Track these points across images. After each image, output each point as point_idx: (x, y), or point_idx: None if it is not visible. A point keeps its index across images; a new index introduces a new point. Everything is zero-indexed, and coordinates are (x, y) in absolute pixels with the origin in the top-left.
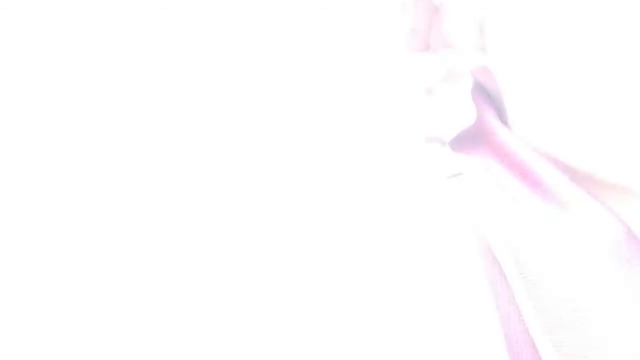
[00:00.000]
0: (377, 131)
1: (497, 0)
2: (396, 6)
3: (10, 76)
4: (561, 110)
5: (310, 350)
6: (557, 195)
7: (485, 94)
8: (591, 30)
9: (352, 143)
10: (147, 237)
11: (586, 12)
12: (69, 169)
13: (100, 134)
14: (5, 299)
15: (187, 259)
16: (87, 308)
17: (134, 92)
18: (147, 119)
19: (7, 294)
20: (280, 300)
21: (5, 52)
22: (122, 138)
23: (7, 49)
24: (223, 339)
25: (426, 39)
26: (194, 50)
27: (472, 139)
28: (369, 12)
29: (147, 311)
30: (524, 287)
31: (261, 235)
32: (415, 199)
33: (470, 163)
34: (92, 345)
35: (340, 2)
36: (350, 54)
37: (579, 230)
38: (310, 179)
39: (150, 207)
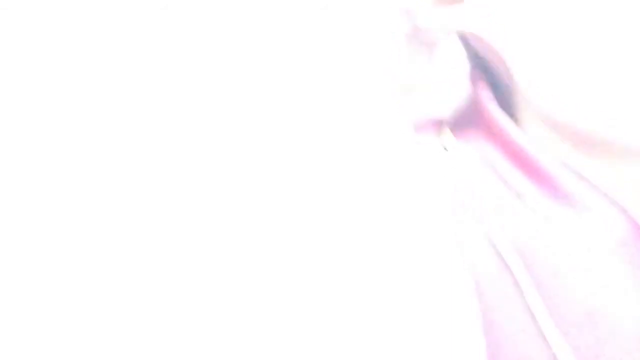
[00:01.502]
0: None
1: None
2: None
3: (10, 76)
4: (575, 73)
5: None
6: (563, 190)
7: (476, 62)
8: None
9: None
10: (146, 237)
11: None
12: (68, 168)
13: (99, 133)
14: (5, 299)
15: (186, 258)
16: (86, 308)
17: (133, 92)
18: (146, 119)
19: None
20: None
21: (5, 52)
22: (121, 138)
23: (7, 49)
24: (222, 339)
25: None
26: (194, 50)
27: (468, 120)
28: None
29: (146, 311)
30: (535, 291)
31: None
32: (414, 198)
33: (469, 154)
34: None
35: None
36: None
37: (586, 229)
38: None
39: (148, 207)
